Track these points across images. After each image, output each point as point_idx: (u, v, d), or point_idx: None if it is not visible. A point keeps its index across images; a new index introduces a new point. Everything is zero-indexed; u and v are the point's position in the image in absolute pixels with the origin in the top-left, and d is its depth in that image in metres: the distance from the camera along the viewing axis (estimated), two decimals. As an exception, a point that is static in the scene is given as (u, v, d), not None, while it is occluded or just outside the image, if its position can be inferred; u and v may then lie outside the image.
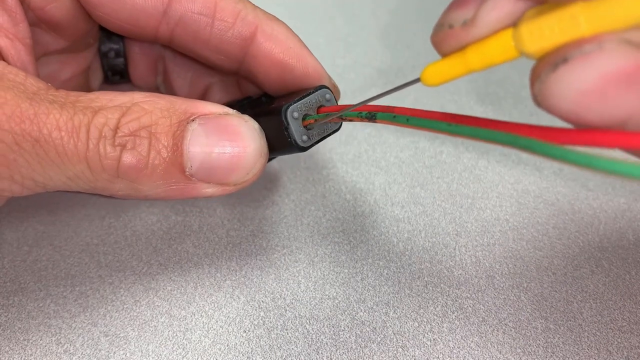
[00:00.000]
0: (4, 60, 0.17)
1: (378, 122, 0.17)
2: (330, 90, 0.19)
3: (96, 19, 0.20)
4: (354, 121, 0.18)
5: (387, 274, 0.21)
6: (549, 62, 0.12)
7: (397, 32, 0.35)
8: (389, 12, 0.36)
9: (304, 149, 0.19)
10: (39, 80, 0.17)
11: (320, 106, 0.19)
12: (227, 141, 0.18)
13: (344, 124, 0.23)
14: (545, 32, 0.12)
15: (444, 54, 0.14)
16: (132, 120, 0.17)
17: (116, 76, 0.24)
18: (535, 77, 0.12)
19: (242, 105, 0.19)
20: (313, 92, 0.19)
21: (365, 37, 0.34)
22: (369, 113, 0.17)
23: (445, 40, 0.14)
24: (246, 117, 0.18)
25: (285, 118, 0.18)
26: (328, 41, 0.34)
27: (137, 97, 0.17)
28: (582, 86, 0.11)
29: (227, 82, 0.24)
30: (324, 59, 0.32)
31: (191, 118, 0.17)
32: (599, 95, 0.11)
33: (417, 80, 0.14)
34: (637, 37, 0.11)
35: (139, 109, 0.17)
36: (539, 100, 0.12)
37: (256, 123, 0.18)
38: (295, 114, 0.18)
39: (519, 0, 0.13)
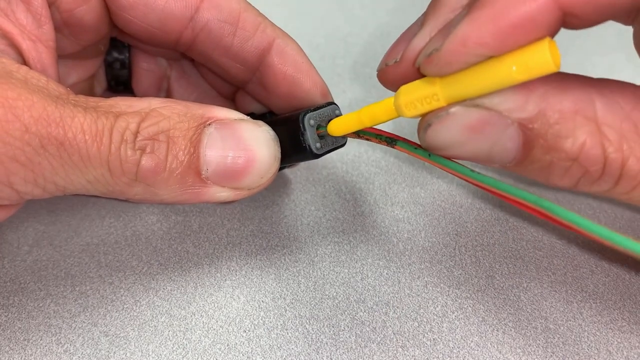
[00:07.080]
0: (25, 62, 0.17)
1: (396, 149, 0.19)
2: (339, 108, 0.20)
3: (120, 22, 0.20)
4: (371, 141, 0.19)
5: (387, 274, 0.21)
6: (421, 126, 0.17)
7: (397, 32, 0.35)
8: (389, 12, 0.36)
9: (317, 156, 0.19)
10: (59, 85, 0.17)
11: (331, 120, 0.20)
12: (243, 145, 0.18)
13: None
14: (417, 105, 0.16)
15: (388, 87, 0.19)
16: (151, 125, 0.17)
17: (120, 86, 0.24)
18: (418, 133, 0.17)
19: None
20: (325, 106, 0.20)
21: (365, 37, 0.34)
22: (390, 138, 0.19)
23: (384, 75, 0.19)
24: (260, 122, 0.19)
25: (303, 124, 0.19)
26: (328, 41, 0.34)
27: (155, 102, 0.18)
28: (444, 141, 0.16)
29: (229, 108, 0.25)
30: (324, 59, 0.33)
31: (207, 122, 0.18)
32: (459, 144, 0.16)
33: (326, 131, 0.19)
34: (481, 101, 0.15)
35: (157, 114, 0.17)
36: (425, 147, 0.17)
37: (270, 129, 0.19)
38: (312, 122, 0.19)
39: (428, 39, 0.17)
